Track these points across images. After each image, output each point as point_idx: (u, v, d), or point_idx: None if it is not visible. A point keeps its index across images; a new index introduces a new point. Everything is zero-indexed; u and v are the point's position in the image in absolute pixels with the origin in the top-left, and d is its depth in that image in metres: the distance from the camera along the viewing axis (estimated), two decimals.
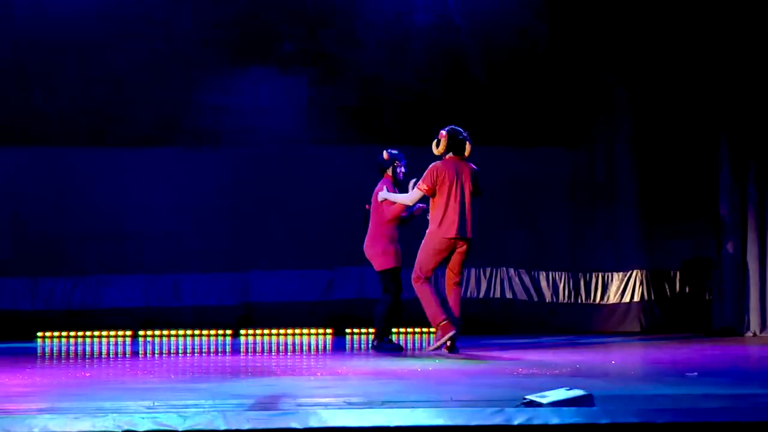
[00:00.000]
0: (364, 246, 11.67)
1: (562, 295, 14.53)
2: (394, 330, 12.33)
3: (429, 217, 11.38)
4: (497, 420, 6.47)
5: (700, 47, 13.74)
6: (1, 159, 14.11)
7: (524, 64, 14.23)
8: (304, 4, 14.23)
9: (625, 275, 14.51)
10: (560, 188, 14.57)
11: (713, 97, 13.61)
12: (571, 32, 14.18)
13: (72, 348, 12.96)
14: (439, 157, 11.30)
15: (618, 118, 14.43)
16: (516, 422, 6.44)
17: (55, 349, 12.95)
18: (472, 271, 14.52)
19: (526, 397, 7.03)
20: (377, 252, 11.60)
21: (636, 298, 14.50)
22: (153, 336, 13.92)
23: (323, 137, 14.31)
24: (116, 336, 13.89)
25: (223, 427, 6.36)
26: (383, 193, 11.56)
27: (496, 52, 14.27)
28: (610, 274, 14.54)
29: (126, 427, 6.32)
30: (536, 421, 6.44)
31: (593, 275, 14.54)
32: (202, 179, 14.35)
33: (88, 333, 13.91)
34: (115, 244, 14.20)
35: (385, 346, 11.64)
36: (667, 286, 14.51)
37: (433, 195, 11.25)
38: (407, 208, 11.60)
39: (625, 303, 14.50)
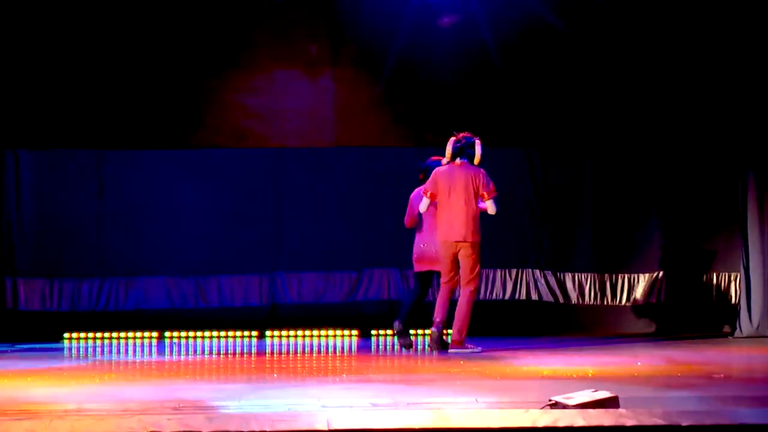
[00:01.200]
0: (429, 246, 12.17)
1: (588, 297, 14.49)
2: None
3: None
4: (523, 421, 6.46)
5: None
6: (26, 160, 14.13)
7: (549, 70, 14.16)
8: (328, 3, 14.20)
9: (651, 276, 14.45)
10: (584, 190, 14.50)
11: (738, 101, 13.58)
12: (592, 35, 14.11)
13: (98, 349, 13.00)
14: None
15: (643, 122, 14.36)
16: (542, 424, 6.43)
17: (81, 350, 12.99)
18: (498, 272, 14.50)
19: (552, 398, 7.02)
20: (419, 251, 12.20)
21: (662, 299, 14.43)
22: (178, 337, 13.94)
23: (349, 138, 14.30)
24: (142, 337, 13.92)
25: (248, 429, 6.37)
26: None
27: (521, 55, 14.21)
28: (636, 275, 14.49)
29: (151, 428, 6.33)
30: (562, 423, 6.43)
31: (618, 276, 14.49)
32: (228, 180, 14.35)
33: (113, 334, 13.94)
34: (140, 245, 14.22)
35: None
36: (693, 288, 14.44)
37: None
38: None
39: (651, 304, 14.45)
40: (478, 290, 12.09)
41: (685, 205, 14.33)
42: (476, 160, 11.67)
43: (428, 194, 11.74)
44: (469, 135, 11.77)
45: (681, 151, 14.30)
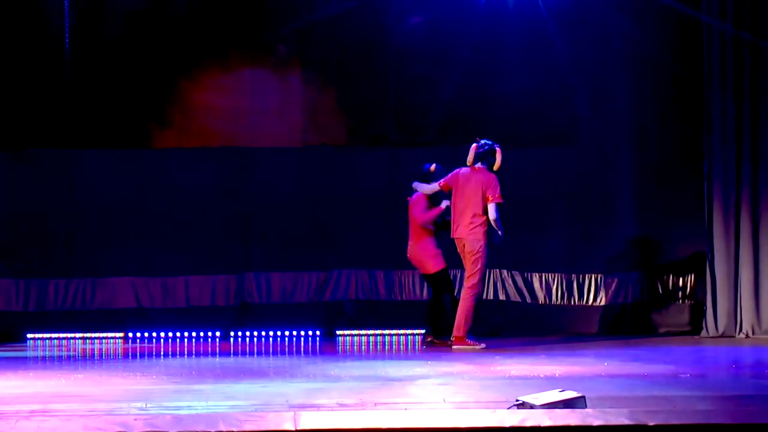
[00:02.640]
0: (411, 251, 12.57)
1: (555, 297, 14.52)
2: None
3: None
4: (490, 421, 6.47)
5: None
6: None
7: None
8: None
9: (618, 277, 14.49)
10: (554, 189, 14.53)
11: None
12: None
13: (64, 349, 12.94)
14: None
15: (613, 120, 14.42)
16: (509, 424, 6.44)
17: (46, 350, 12.94)
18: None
19: (519, 398, 7.03)
20: (430, 255, 12.48)
21: (629, 300, 14.48)
22: (145, 337, 13.90)
23: (320, 139, 14.32)
24: (108, 337, 13.87)
25: (215, 429, 6.35)
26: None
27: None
28: (602, 276, 14.53)
29: (118, 429, 6.31)
30: (529, 423, 6.45)
31: (586, 276, 14.52)
32: (197, 180, 14.31)
33: (79, 334, 13.88)
34: (105, 244, 14.16)
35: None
36: (660, 288, 14.49)
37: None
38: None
39: (617, 304, 14.49)
40: (478, 289, 12.30)
41: (653, 206, 14.37)
42: (496, 166, 12.19)
43: (442, 184, 12.32)
44: (491, 141, 12.22)
45: (652, 152, 14.36)
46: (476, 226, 12.06)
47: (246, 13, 14.05)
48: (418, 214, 12.46)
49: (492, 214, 12.02)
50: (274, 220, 14.26)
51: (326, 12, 14.00)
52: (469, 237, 12.07)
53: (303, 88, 14.44)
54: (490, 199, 12.00)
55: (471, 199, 12.09)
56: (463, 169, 12.24)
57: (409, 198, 12.62)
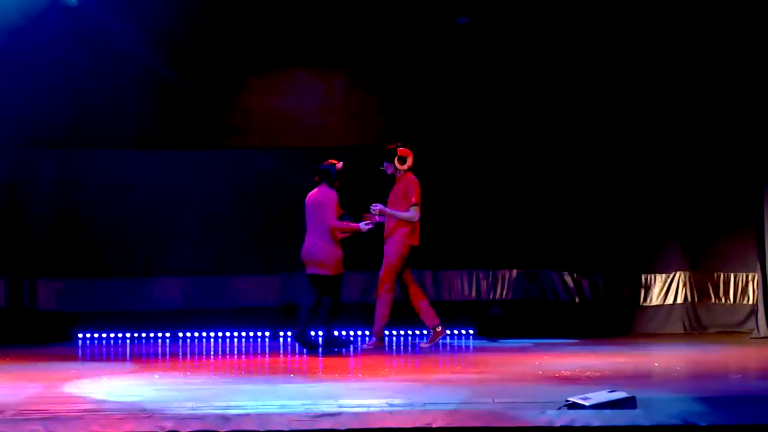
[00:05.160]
0: (316, 251, 12.12)
1: (605, 297, 14.45)
2: None
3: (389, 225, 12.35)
4: (539, 422, 6.46)
5: None
6: (44, 159, 14.15)
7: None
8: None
9: (668, 277, 14.42)
10: (602, 189, 14.47)
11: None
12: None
13: (114, 349, 13.02)
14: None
15: (664, 123, 14.36)
16: (558, 424, 6.42)
17: (97, 349, 13.02)
18: (514, 272, 14.47)
19: (569, 399, 7.02)
20: (338, 257, 12.08)
21: (679, 300, 14.40)
22: (193, 337, 13.96)
23: (361, 140, 14.32)
24: (157, 337, 13.94)
25: (264, 429, 6.37)
26: (387, 210, 12.35)
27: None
28: (653, 275, 14.46)
29: (169, 428, 6.34)
30: (578, 423, 6.42)
31: (637, 276, 14.45)
32: (243, 180, 14.35)
33: (128, 334, 13.96)
34: (154, 244, 14.23)
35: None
36: (711, 288, 14.41)
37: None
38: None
39: (668, 305, 14.41)
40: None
41: (703, 208, 14.30)
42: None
43: (418, 202, 12.32)
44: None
45: (699, 155, 14.29)
46: None
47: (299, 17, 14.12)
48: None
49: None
50: None
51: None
52: None
53: (346, 89, 14.48)
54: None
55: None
56: (415, 178, 12.48)
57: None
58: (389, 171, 12.39)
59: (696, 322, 14.34)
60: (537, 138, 14.35)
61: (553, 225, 14.39)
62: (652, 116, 14.31)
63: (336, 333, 12.62)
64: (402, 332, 14.11)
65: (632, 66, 14.17)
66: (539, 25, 14.12)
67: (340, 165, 12.16)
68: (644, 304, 14.44)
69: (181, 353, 12.36)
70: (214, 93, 14.30)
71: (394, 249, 12.29)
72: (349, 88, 14.52)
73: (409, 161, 12.28)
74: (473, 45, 14.23)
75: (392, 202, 12.34)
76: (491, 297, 14.45)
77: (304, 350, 11.99)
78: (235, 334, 14.09)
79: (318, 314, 12.15)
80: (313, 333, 12.44)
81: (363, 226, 12.02)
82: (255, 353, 12.40)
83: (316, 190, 12.14)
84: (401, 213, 12.23)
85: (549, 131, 14.35)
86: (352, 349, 12.34)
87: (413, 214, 12.23)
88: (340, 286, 12.16)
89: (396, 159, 12.28)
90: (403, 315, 13.42)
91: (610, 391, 7.08)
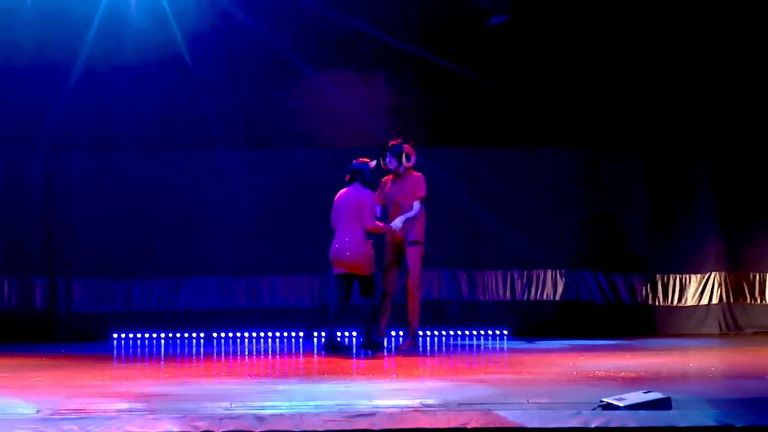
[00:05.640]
0: (349, 252, 12.02)
1: (640, 297, 14.41)
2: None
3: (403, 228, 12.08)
4: (574, 422, 6.44)
5: None
6: (74, 162, 14.22)
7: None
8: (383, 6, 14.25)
9: (704, 277, 14.37)
10: (638, 191, 14.45)
11: None
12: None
13: (149, 349, 13.07)
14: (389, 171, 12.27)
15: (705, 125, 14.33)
16: (593, 425, 6.41)
17: (132, 349, 13.07)
18: (548, 272, 14.46)
19: (604, 399, 6.99)
20: (371, 256, 12.04)
21: (715, 301, 14.35)
22: (229, 337, 13.99)
23: (403, 139, 14.32)
24: (193, 337, 13.98)
25: (299, 429, 6.38)
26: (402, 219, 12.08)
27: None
28: (687, 276, 14.41)
29: (203, 428, 6.36)
30: (613, 424, 6.40)
31: (671, 277, 14.41)
32: (280, 181, 14.38)
33: (164, 334, 14.01)
34: (192, 246, 14.29)
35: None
36: (747, 289, 14.35)
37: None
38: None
39: (704, 305, 14.36)
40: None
41: (738, 208, 14.25)
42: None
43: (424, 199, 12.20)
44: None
45: (734, 154, 14.25)
46: None
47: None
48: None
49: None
50: None
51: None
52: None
53: (387, 89, 14.49)
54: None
55: None
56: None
57: None
58: (392, 166, 12.29)
59: (732, 323, 14.31)
60: (567, 133, 14.33)
61: (587, 225, 14.37)
62: (688, 113, 14.29)
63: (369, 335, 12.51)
64: (436, 333, 14.12)
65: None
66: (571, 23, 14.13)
67: (373, 164, 12.13)
68: (680, 305, 14.39)
69: (215, 353, 12.39)
70: (256, 93, 14.35)
71: (417, 249, 12.20)
72: (391, 88, 14.53)
73: (413, 158, 12.23)
74: (510, 44, 14.22)
75: (400, 197, 12.21)
76: (526, 297, 14.42)
77: (368, 352, 11.85)
78: (270, 334, 14.13)
79: (343, 316, 12.16)
80: (339, 334, 12.41)
81: (394, 226, 11.96)
82: (290, 353, 12.41)
83: (348, 189, 12.09)
84: (413, 213, 12.12)
85: (581, 126, 14.34)
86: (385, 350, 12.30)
87: (419, 207, 12.17)
88: (374, 285, 12.11)
89: (404, 155, 12.22)
90: (436, 316, 13.46)
91: (645, 392, 7.05)
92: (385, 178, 12.33)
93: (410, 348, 12.11)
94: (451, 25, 14.22)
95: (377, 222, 11.98)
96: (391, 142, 12.34)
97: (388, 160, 12.28)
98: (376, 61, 14.40)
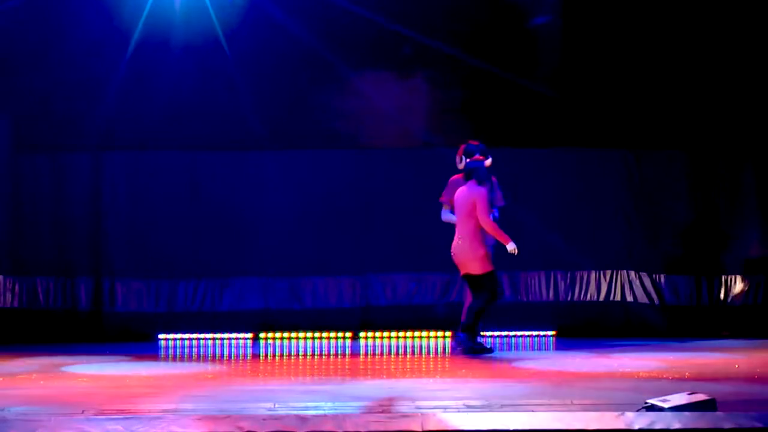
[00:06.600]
0: (459, 251, 12.00)
1: (684, 297, 14.33)
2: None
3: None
4: (618, 424, 6.41)
5: None
6: (119, 162, 14.28)
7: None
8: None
9: (750, 277, 14.27)
10: (681, 190, 14.38)
11: None
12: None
13: (194, 350, 13.12)
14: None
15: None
16: (637, 426, 6.38)
17: (177, 351, 13.13)
18: (592, 273, 14.40)
19: (648, 401, 6.96)
20: (481, 254, 11.88)
21: (758, 301, 14.24)
22: (273, 338, 14.02)
23: (442, 140, 14.30)
24: (236, 338, 14.03)
25: (342, 430, 6.39)
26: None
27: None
28: (732, 277, 14.31)
29: (247, 429, 6.38)
30: (658, 426, 6.37)
31: (714, 278, 14.31)
32: (320, 181, 14.38)
33: (208, 335, 14.06)
34: (235, 246, 14.31)
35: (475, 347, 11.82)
36: None
37: None
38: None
39: (749, 305, 14.25)
40: None
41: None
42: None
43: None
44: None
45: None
46: None
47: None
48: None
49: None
50: (395, 220, 14.25)
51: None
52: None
53: (427, 88, 14.48)
54: None
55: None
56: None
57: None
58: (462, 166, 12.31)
59: None
60: (609, 133, 14.28)
61: (630, 224, 14.32)
62: (730, 111, 14.21)
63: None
64: (482, 333, 14.10)
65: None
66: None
67: (488, 162, 12.14)
68: (725, 305, 14.29)
69: (260, 354, 12.42)
70: (298, 94, 14.37)
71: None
72: (431, 87, 14.53)
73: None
74: (551, 44, 14.19)
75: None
76: (569, 298, 14.36)
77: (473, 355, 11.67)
78: (315, 335, 14.14)
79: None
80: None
81: (509, 247, 11.85)
82: (334, 354, 12.43)
83: (464, 187, 12.06)
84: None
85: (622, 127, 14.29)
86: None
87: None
88: (491, 286, 11.96)
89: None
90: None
91: (689, 394, 7.01)
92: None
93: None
94: (493, 25, 14.20)
95: (492, 221, 11.94)
96: (471, 142, 12.36)
97: (464, 161, 12.29)
98: (417, 62, 14.39)
